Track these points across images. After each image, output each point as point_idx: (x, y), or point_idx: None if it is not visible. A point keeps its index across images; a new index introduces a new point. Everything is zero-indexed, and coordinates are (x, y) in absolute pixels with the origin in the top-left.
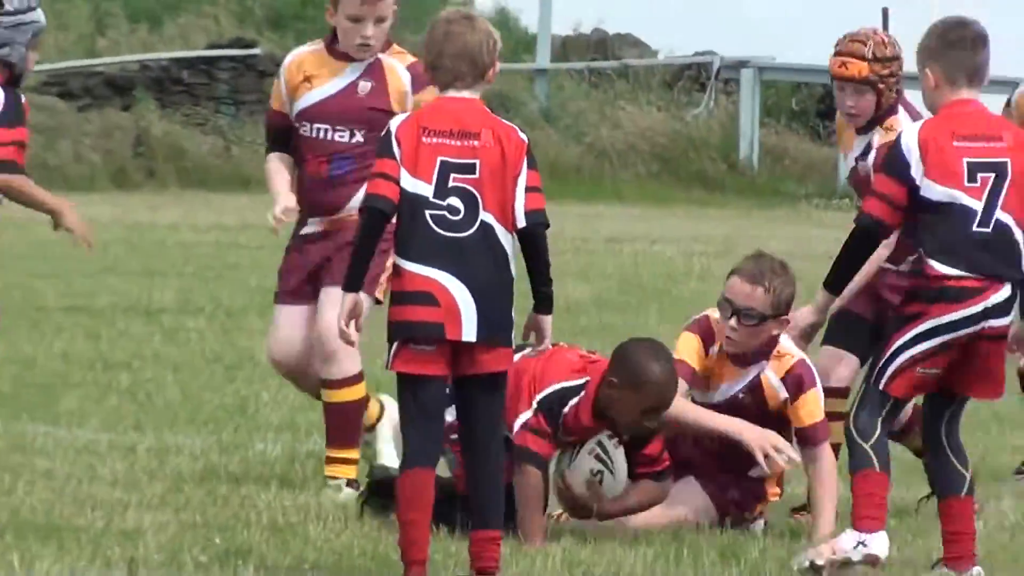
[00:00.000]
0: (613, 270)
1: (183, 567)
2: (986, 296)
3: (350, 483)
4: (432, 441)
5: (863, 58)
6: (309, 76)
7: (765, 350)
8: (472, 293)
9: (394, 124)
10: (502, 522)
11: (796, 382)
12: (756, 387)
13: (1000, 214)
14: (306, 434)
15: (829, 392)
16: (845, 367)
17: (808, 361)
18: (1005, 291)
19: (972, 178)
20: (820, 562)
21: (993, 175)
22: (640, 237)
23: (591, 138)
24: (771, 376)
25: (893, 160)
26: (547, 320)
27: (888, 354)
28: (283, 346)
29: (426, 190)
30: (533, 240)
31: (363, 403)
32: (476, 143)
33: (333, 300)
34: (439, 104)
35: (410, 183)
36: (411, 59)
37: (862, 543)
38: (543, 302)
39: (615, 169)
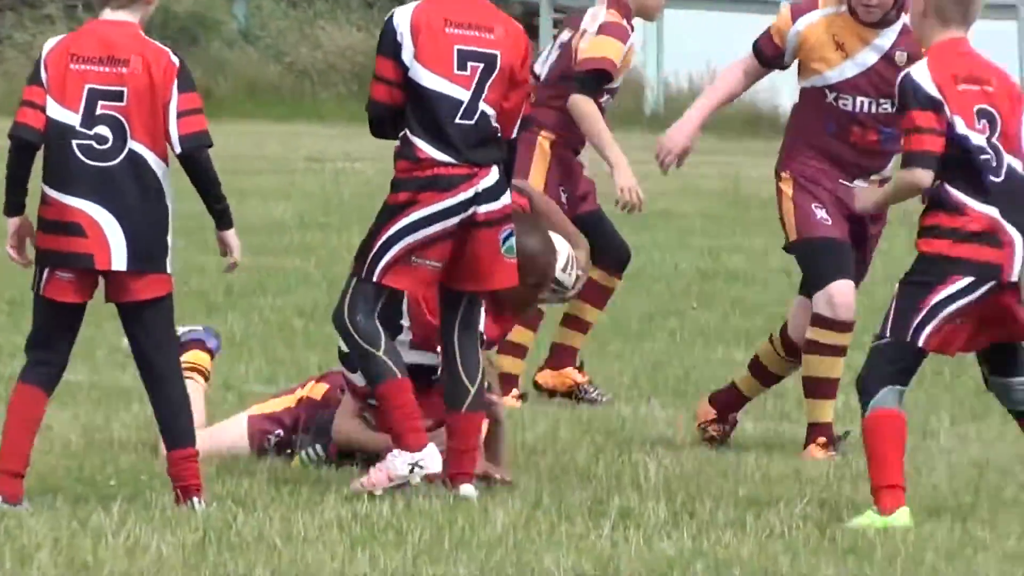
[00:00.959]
0: (315, 189)
1: None
2: (475, 182)
3: None
4: (55, 363)
5: None
6: None
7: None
8: (120, 222)
9: (45, 49)
10: (194, 439)
11: None
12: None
13: (483, 105)
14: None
15: (837, 325)
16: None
17: None
18: (494, 175)
19: (462, 66)
20: (378, 492)
21: (482, 65)
22: (340, 156)
23: (291, 58)
24: None
25: (385, 41)
26: (230, 234)
27: (378, 245)
28: None
29: (73, 119)
30: (194, 163)
31: None
32: (124, 70)
33: None
34: (91, 28)
35: (57, 111)
36: None
37: (417, 464)
38: (221, 218)
39: (315, 89)
